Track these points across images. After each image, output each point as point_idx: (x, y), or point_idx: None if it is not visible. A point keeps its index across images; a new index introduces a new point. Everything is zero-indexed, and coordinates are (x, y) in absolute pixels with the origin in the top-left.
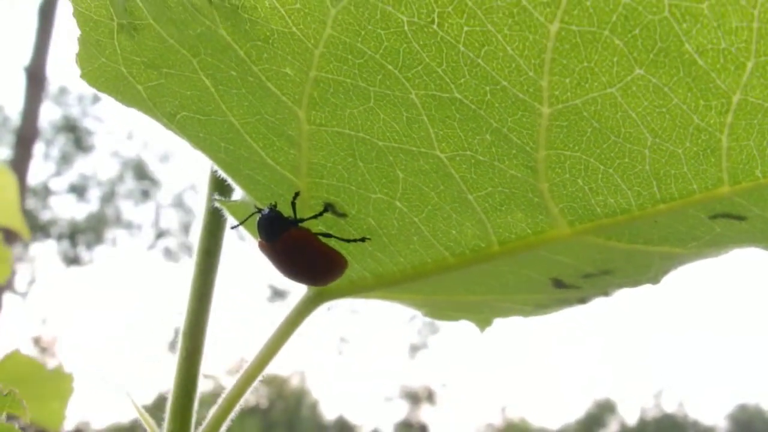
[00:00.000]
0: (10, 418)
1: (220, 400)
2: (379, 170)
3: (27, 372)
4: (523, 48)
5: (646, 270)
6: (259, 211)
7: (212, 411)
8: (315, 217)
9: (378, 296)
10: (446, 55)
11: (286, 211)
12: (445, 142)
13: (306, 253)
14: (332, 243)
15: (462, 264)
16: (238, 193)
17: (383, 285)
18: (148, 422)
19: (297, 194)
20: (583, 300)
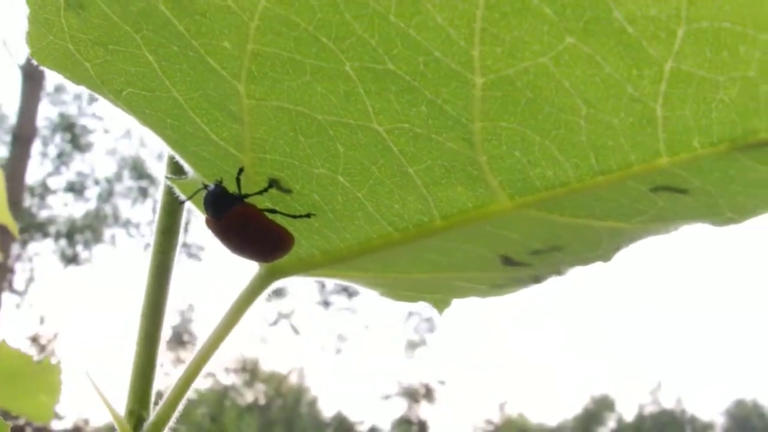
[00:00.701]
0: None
1: (175, 380)
2: (321, 144)
3: (13, 364)
4: (453, 17)
5: (596, 246)
6: (206, 187)
7: (167, 392)
8: (260, 192)
9: (328, 274)
10: (378, 25)
11: (232, 187)
12: (382, 115)
13: (252, 229)
14: (278, 219)
15: (407, 239)
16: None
17: (331, 262)
18: (107, 403)
19: (241, 170)
20: (537, 279)
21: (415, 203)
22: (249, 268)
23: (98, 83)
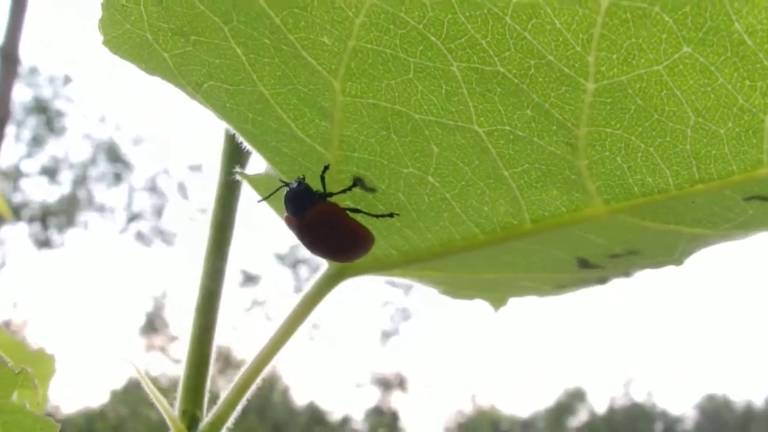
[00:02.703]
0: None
1: (235, 379)
2: (414, 144)
3: (7, 352)
4: (572, 22)
5: (672, 251)
6: (286, 184)
7: (226, 392)
8: (344, 191)
9: (401, 273)
10: (492, 27)
11: (314, 185)
12: (483, 117)
13: (334, 228)
14: (359, 218)
15: (492, 241)
16: (255, 166)
17: (408, 262)
18: (160, 402)
19: (326, 167)
20: (603, 280)
21: (505, 206)
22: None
23: (176, 74)
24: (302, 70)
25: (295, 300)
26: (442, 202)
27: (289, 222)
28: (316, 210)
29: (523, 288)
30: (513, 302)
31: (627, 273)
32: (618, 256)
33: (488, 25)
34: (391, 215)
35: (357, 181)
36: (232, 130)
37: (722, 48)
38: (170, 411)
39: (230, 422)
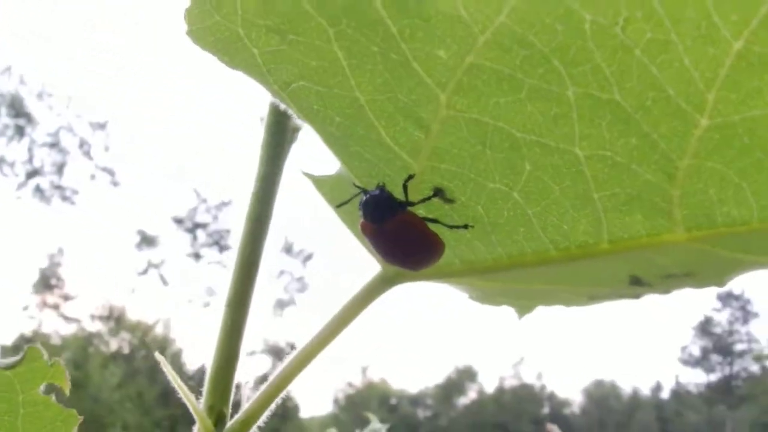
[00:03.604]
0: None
1: (271, 378)
2: (507, 161)
3: None
4: (701, 61)
5: (723, 275)
6: (365, 191)
7: (259, 391)
8: (424, 201)
9: (453, 282)
10: (620, 58)
11: (394, 192)
12: (586, 141)
13: (411, 237)
14: (431, 226)
15: (564, 259)
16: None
17: (470, 272)
18: (188, 397)
19: (411, 177)
20: (638, 296)
21: (586, 225)
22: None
23: (263, 71)
24: (408, 80)
25: (343, 301)
26: (522, 217)
27: (365, 228)
28: (398, 219)
29: (555, 298)
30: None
31: (668, 291)
32: (673, 276)
33: (617, 55)
34: (465, 227)
35: (437, 192)
36: (274, 122)
37: None
38: (197, 406)
39: (261, 421)
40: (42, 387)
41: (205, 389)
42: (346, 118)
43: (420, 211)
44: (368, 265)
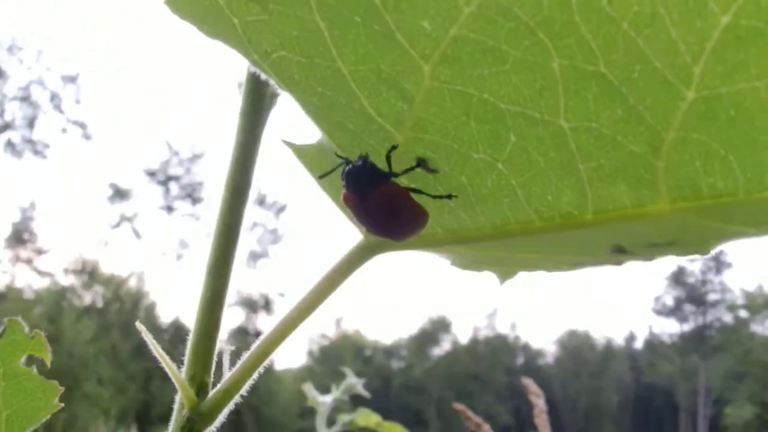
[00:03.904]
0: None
1: (253, 348)
2: (491, 132)
3: None
4: (688, 34)
5: (705, 243)
6: (347, 161)
7: (241, 361)
8: (407, 171)
9: (435, 250)
10: (606, 30)
11: (377, 162)
12: (572, 113)
13: (396, 209)
14: (415, 196)
15: (548, 229)
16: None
17: (454, 241)
18: (169, 367)
19: (394, 147)
20: (619, 263)
21: (570, 196)
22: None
23: (243, 41)
24: (391, 50)
25: (325, 270)
26: (506, 187)
27: (348, 199)
28: (381, 190)
29: (537, 265)
30: None
31: (651, 259)
32: (656, 245)
33: (603, 28)
34: (449, 197)
35: (421, 162)
36: (254, 91)
37: None
38: (179, 376)
39: (243, 391)
40: (23, 359)
41: (186, 359)
42: (328, 89)
43: (403, 180)
44: (341, 217)
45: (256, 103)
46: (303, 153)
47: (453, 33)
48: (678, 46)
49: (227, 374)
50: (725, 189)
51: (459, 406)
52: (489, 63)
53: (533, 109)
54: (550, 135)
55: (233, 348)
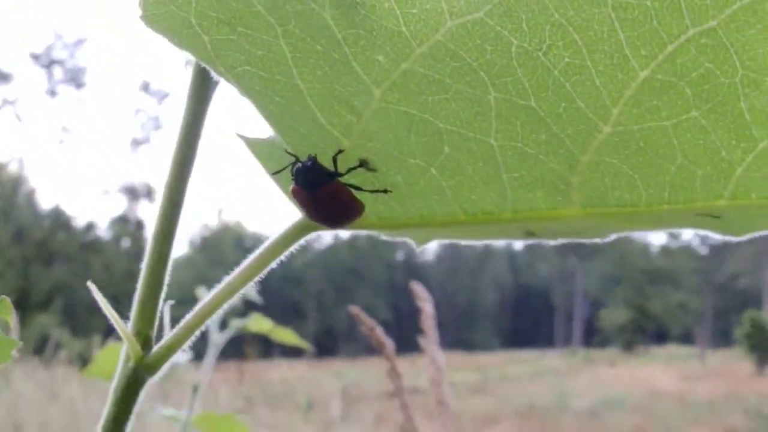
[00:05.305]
0: None
1: (196, 309)
2: (428, 144)
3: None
4: (609, 83)
5: (605, 234)
6: (298, 161)
7: (187, 317)
8: (350, 170)
9: (368, 230)
10: (539, 75)
11: (324, 162)
12: (501, 134)
13: (337, 203)
14: (354, 192)
15: (470, 222)
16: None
17: (383, 227)
18: (119, 323)
19: (340, 151)
20: (526, 241)
21: (493, 197)
22: None
23: (211, 56)
24: (346, 75)
25: (262, 245)
26: (436, 187)
27: (297, 193)
28: (328, 188)
29: (452, 236)
30: None
31: (555, 239)
32: (563, 233)
33: (536, 72)
34: (385, 191)
35: (363, 163)
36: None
37: (723, 116)
38: (128, 332)
39: (186, 346)
40: None
41: (132, 315)
42: (285, 99)
43: (345, 174)
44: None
45: (205, 81)
46: (255, 147)
47: (404, 67)
48: (600, 91)
49: (169, 333)
50: (630, 201)
51: (354, 309)
52: (433, 92)
53: (468, 129)
54: (480, 150)
55: (172, 303)
